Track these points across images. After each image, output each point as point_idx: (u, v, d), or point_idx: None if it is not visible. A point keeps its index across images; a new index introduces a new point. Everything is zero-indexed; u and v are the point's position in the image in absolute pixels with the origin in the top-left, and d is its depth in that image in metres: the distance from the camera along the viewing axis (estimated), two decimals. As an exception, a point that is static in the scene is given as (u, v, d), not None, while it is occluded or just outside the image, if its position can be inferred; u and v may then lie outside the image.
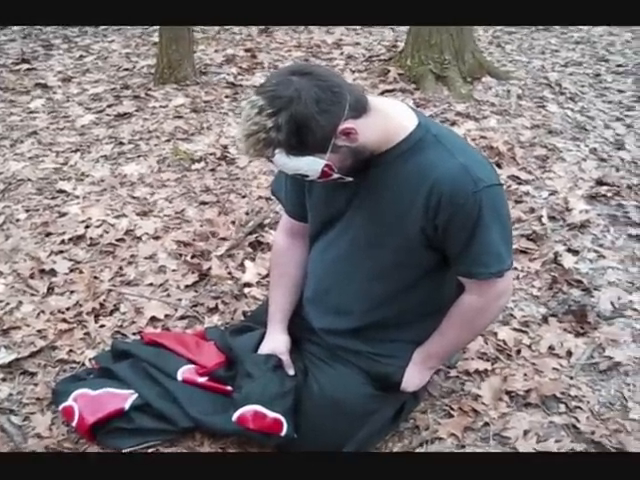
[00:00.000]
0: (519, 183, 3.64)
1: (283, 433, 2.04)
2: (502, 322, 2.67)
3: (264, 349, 2.19)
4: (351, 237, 1.98)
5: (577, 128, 4.39)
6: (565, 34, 6.41)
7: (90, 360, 2.48)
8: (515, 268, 2.93)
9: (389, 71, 5.01)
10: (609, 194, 3.57)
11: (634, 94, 5.04)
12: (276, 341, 2.20)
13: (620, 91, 5.11)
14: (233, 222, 3.27)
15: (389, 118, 1.83)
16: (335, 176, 1.81)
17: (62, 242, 3.16)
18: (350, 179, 1.84)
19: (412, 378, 2.11)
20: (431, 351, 2.10)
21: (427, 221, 1.82)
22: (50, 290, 2.86)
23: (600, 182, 3.68)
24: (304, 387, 2.11)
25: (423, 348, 2.09)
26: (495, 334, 2.60)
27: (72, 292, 2.84)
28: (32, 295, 2.82)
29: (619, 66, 5.63)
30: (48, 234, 3.23)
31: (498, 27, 6.43)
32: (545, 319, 2.70)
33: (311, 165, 1.75)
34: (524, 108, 4.60)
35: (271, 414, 2.03)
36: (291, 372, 2.15)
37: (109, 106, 4.62)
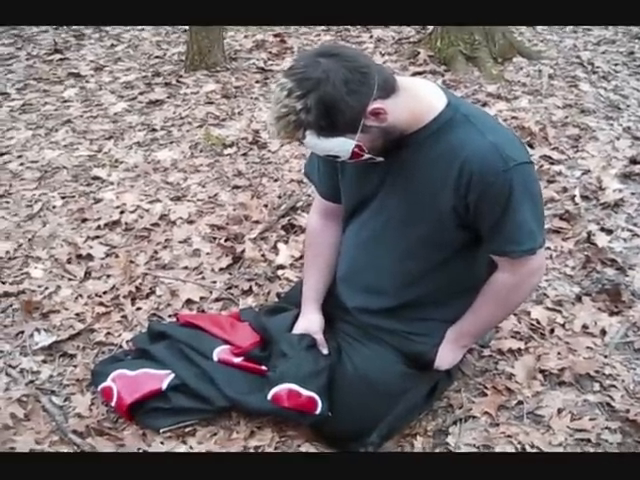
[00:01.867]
0: (551, 163, 3.62)
1: (318, 411, 2.06)
2: (535, 301, 2.67)
3: (298, 329, 2.21)
4: (384, 217, 1.99)
5: (610, 107, 4.34)
6: (597, 13, 6.32)
7: (127, 342, 2.52)
8: (548, 248, 2.92)
9: (419, 53, 4.99)
10: (644, 173, 3.54)
11: (669, 71, 4.98)
12: (310, 321, 2.22)
13: (655, 69, 5.04)
14: (266, 205, 3.29)
15: (418, 98, 1.84)
16: (366, 156, 1.82)
17: (98, 227, 3.21)
18: (381, 159, 1.86)
19: (445, 356, 2.12)
20: (464, 329, 2.10)
21: (458, 200, 1.82)
22: (87, 274, 2.91)
23: (634, 161, 3.64)
24: (338, 366, 2.13)
25: (456, 326, 2.10)
26: (528, 313, 2.60)
27: (109, 276, 2.89)
28: (70, 280, 2.87)
29: (654, 43, 5.55)
30: (84, 220, 3.28)
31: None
32: (579, 298, 2.69)
33: (342, 146, 1.77)
34: (556, 88, 4.56)
35: (305, 392, 2.05)
36: (325, 351, 2.17)
37: (141, 93, 4.66)
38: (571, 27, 5.82)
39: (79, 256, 3.01)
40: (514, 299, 2.07)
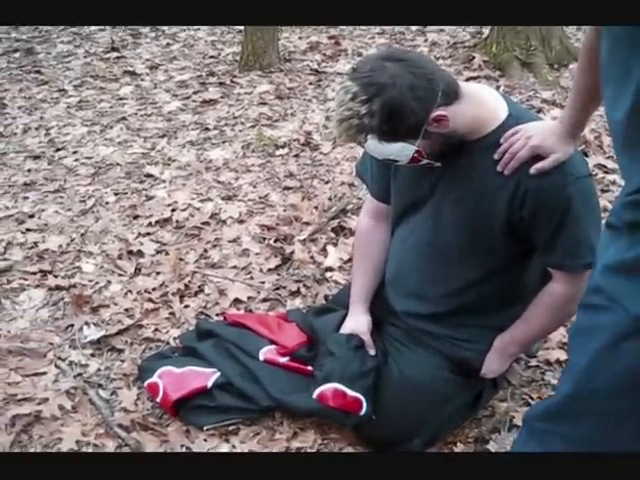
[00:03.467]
0: (606, 172, 3.56)
1: (362, 412, 2.06)
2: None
3: (346, 329, 2.21)
4: (433, 222, 1.98)
5: (668, 116, 4.25)
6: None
7: (175, 339, 2.55)
8: (601, 258, 2.88)
9: (474, 58, 4.95)
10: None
11: None
12: (358, 321, 2.21)
13: None
14: (316, 207, 3.29)
15: (481, 106, 1.83)
16: (424, 161, 1.82)
17: (149, 224, 3.25)
18: (439, 164, 1.85)
19: (492, 364, 2.10)
20: (513, 338, 2.08)
21: (512, 212, 1.81)
22: (137, 271, 2.95)
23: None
24: (384, 369, 2.13)
25: (505, 335, 2.08)
26: (578, 324, 2.56)
27: (158, 273, 2.92)
28: (120, 275, 2.91)
29: None
30: (136, 217, 3.32)
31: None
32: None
33: (402, 151, 1.77)
34: (613, 95, 4.48)
35: (351, 393, 2.05)
36: (372, 352, 2.16)
37: (195, 93, 4.71)
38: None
39: (130, 252, 3.05)
40: (568, 311, 2.03)
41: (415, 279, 2.11)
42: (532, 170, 1.73)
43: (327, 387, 2.07)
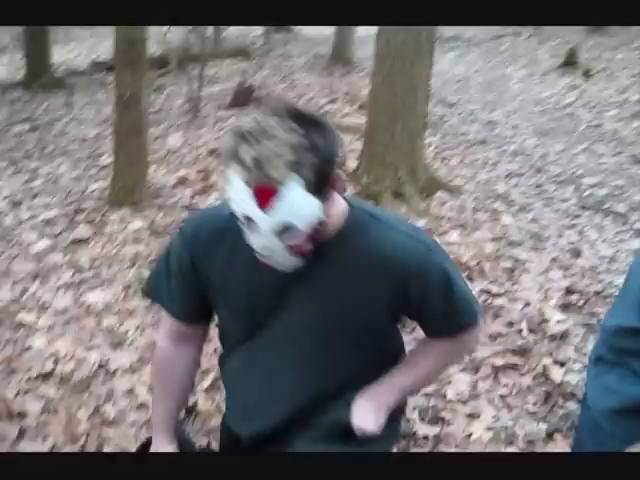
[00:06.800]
0: (492, 296, 3.64)
1: None
2: (506, 442, 2.59)
3: None
4: (295, 339, 1.73)
5: (533, 239, 4.46)
6: (500, 147, 6.64)
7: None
8: (506, 385, 2.91)
9: (345, 190, 5.04)
10: (580, 302, 3.60)
11: (577, 202, 5.21)
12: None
13: (564, 200, 5.26)
14: (215, 350, 3.13)
15: (339, 202, 1.61)
16: (307, 247, 1.54)
17: (29, 379, 2.98)
18: (286, 269, 1.59)
19: (364, 415, 1.79)
20: (394, 384, 1.83)
21: (395, 299, 1.66)
22: (21, 434, 2.66)
23: (569, 290, 3.72)
24: None
25: (383, 382, 1.82)
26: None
27: (46, 436, 2.65)
28: (0, 442, 2.61)
29: (557, 176, 5.83)
30: (12, 371, 3.05)
31: (437, 143, 6.62)
32: (550, 435, 2.63)
33: (311, 211, 1.45)
34: (481, 221, 4.68)
35: None
36: None
37: (64, 231, 4.51)
38: (479, 162, 6.08)
39: (10, 413, 2.76)
40: (456, 359, 1.94)
41: (280, 402, 1.80)
42: None
43: None
